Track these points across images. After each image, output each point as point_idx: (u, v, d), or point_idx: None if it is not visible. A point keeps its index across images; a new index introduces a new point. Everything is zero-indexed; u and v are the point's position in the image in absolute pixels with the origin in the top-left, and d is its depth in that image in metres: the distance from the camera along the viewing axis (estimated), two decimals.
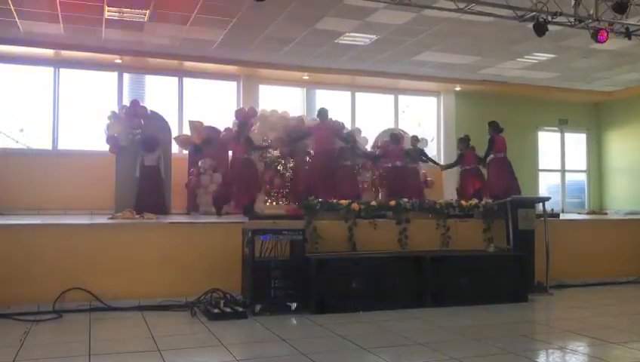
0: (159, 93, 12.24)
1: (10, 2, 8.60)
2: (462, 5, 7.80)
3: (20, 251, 5.91)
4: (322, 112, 10.18)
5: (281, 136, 10.75)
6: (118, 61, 11.50)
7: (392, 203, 7.50)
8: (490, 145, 9.98)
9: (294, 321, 5.73)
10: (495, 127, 9.99)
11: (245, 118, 10.45)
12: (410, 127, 13.42)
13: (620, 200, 14.91)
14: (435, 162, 11.46)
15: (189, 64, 11.88)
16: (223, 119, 11.70)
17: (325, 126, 10.20)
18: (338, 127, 10.71)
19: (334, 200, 7.33)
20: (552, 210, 9.02)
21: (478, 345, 4.76)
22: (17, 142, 11.48)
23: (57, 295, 5.84)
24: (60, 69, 11.52)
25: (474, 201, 7.97)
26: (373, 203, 7.50)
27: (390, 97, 14.07)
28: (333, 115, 11.53)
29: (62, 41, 10.49)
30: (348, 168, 10.23)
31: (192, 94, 12.47)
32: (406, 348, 4.69)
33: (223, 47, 10.96)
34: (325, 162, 9.93)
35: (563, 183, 15.68)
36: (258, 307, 5.86)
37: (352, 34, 10.31)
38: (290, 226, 6.45)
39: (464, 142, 10.58)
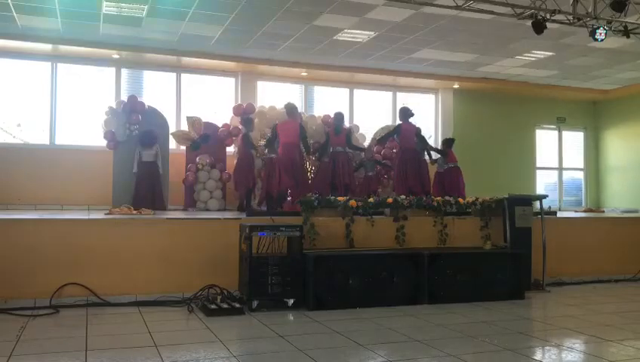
0: (157, 89, 12.21)
1: None
2: (461, 2, 7.79)
3: (16, 246, 5.90)
4: (405, 111, 10.30)
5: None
6: (116, 56, 11.46)
7: (390, 200, 7.51)
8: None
9: (291, 317, 5.74)
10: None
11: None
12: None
13: (616, 199, 14.94)
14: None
15: (187, 60, 11.84)
16: (221, 115, 11.74)
17: (410, 124, 10.31)
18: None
19: (332, 197, 7.33)
20: (550, 207, 9.04)
21: (475, 342, 4.77)
22: (15, 137, 11.45)
23: (54, 290, 5.84)
24: (58, 64, 11.47)
25: (471, 199, 7.97)
26: (371, 199, 7.51)
27: (388, 94, 14.06)
28: (331, 112, 11.54)
29: (60, 36, 10.45)
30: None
31: (190, 90, 12.44)
32: (403, 344, 4.70)
33: (221, 43, 10.93)
34: (412, 158, 10.14)
35: (560, 181, 15.70)
36: (255, 303, 5.87)
37: (351, 31, 10.29)
38: (288, 223, 6.45)
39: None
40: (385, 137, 11.01)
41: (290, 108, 9.64)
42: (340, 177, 9.68)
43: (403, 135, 10.22)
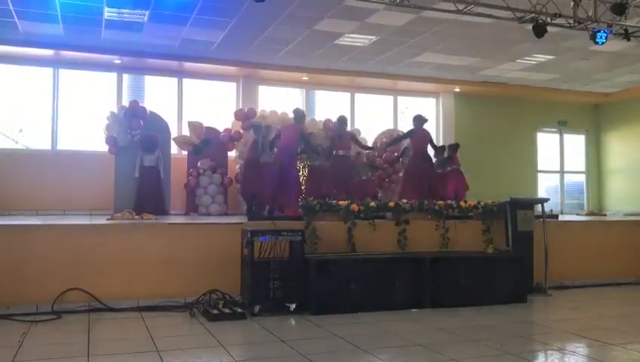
0: (158, 94, 12.24)
1: (9, 2, 8.59)
2: (461, 7, 7.80)
3: (18, 251, 5.90)
4: (420, 118, 10.34)
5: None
6: (118, 62, 11.49)
7: (391, 204, 7.50)
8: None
9: (293, 322, 5.73)
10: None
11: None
12: (409, 128, 13.41)
13: (618, 202, 14.92)
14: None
15: (188, 65, 11.87)
16: (222, 120, 11.75)
17: (424, 130, 10.37)
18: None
19: (334, 201, 7.33)
20: (551, 211, 9.02)
21: (477, 346, 4.77)
22: (17, 142, 11.48)
23: (56, 295, 5.84)
24: (60, 70, 11.51)
25: (473, 202, 7.97)
26: (373, 204, 7.50)
27: (389, 98, 14.07)
28: (333, 116, 11.54)
29: (61, 42, 10.48)
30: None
31: (191, 95, 12.47)
32: (405, 349, 4.70)
33: (222, 48, 10.96)
34: (425, 162, 10.23)
35: (562, 184, 15.69)
36: (257, 308, 5.86)
37: (352, 35, 10.31)
38: (290, 227, 6.45)
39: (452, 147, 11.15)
40: (397, 140, 11.17)
41: (297, 114, 9.64)
42: (342, 181, 9.64)
43: (416, 140, 10.27)
